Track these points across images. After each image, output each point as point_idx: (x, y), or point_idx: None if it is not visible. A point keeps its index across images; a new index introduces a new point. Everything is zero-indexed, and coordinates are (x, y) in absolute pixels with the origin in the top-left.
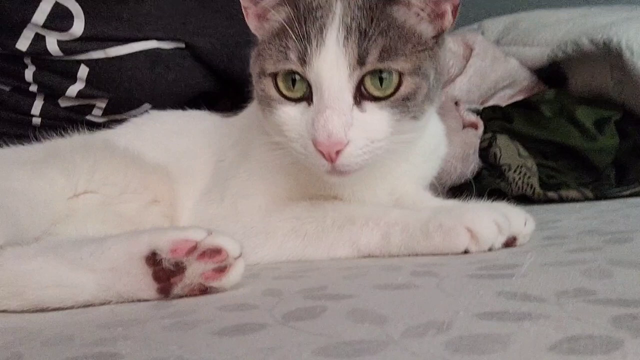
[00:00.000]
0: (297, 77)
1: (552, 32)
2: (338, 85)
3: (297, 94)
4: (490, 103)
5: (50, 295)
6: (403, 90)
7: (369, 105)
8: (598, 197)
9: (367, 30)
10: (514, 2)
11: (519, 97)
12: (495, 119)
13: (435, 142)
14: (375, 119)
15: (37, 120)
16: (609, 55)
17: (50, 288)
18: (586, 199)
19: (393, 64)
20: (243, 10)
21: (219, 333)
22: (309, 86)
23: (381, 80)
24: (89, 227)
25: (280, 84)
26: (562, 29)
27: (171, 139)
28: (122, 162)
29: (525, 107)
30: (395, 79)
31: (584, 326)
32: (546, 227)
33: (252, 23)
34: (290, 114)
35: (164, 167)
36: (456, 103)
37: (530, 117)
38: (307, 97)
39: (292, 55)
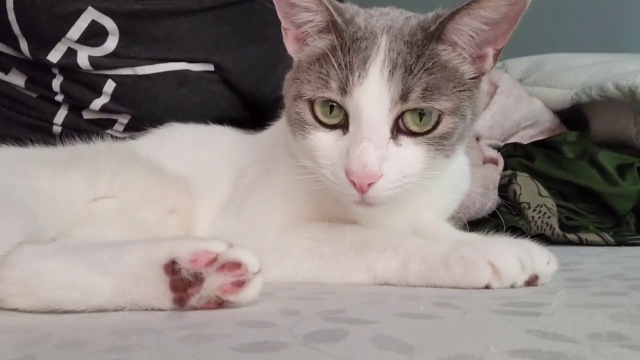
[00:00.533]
0: (335, 104)
1: (576, 76)
2: (377, 118)
3: (334, 120)
4: (511, 141)
5: (64, 296)
6: (441, 128)
7: (405, 140)
8: (618, 243)
9: (413, 67)
10: (537, 43)
11: (540, 138)
12: (515, 156)
13: (458, 177)
14: (410, 154)
15: (57, 129)
16: (633, 102)
17: (65, 289)
18: (606, 243)
19: (435, 103)
20: (282, 31)
21: (239, 349)
22: (346, 114)
23: (421, 116)
24: (106, 232)
25: (318, 110)
26: (586, 73)
27: (192, 152)
28: (143, 170)
29: (546, 147)
30: (435, 117)
31: None
32: (568, 269)
33: (290, 45)
34: (324, 140)
35: (184, 179)
36: (477, 138)
37: (551, 157)
38: (343, 125)
39: (333, 84)
